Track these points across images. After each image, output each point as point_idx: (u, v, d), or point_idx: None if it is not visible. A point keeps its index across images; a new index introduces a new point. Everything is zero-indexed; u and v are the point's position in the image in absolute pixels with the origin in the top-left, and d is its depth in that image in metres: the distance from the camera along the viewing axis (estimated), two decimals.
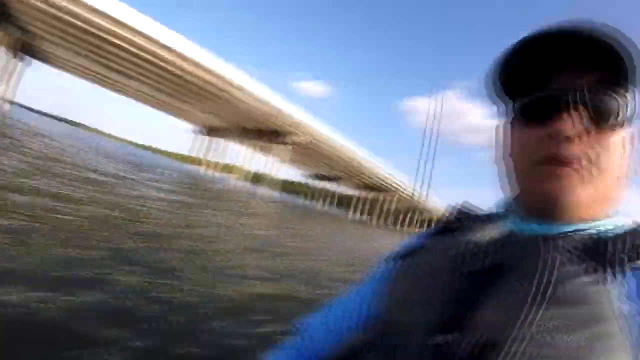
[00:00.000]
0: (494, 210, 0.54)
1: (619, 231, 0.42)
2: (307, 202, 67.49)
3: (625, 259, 0.39)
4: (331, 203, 76.53)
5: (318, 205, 70.25)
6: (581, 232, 0.42)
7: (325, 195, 76.19)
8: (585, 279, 0.38)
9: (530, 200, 0.46)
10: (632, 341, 0.34)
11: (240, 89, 30.95)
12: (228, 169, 51.77)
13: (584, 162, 0.42)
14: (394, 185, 55.21)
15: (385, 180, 52.19)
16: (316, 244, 11.06)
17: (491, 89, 0.50)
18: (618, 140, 0.43)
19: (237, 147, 50.13)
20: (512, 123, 0.49)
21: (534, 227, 0.45)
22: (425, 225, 78.07)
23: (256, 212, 16.25)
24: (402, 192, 56.71)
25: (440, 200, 73.75)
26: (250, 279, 4.77)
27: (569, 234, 0.42)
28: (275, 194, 43.02)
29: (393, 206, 70.04)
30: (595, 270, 0.38)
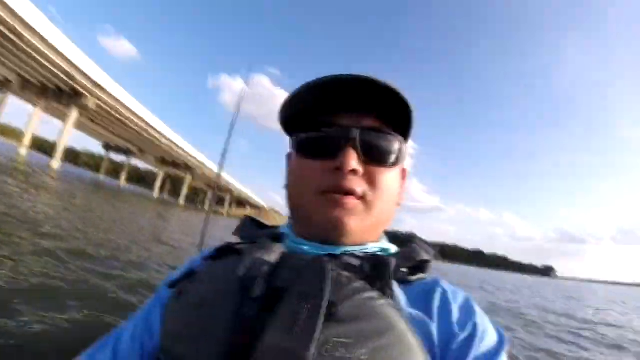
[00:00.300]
0: (278, 229, 0.58)
1: (393, 251, 0.50)
2: (102, 178, 59.96)
3: (400, 273, 0.45)
4: (130, 180, 71.23)
5: (115, 181, 64.18)
6: (360, 253, 0.48)
7: (121, 170, 70.91)
8: (367, 294, 0.40)
9: (312, 225, 0.50)
10: (420, 342, 0.39)
11: (26, 25, 22.74)
12: (4, 131, 41.48)
13: (361, 194, 0.48)
14: (198, 163, 55.93)
15: (189, 157, 52.67)
16: (113, 233, 8.00)
17: (281, 122, 0.56)
18: (390, 177, 0.51)
19: (16, 104, 39.50)
20: (296, 154, 0.54)
21: (316, 249, 0.48)
22: (227, 204, 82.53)
23: (42, 189, 12.54)
24: (207, 170, 58.91)
25: (246, 182, 78.71)
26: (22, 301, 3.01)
27: (348, 254, 0.47)
28: (64, 166, 37.42)
29: (198, 184, 71.14)
30: (375, 286, 0.42)
